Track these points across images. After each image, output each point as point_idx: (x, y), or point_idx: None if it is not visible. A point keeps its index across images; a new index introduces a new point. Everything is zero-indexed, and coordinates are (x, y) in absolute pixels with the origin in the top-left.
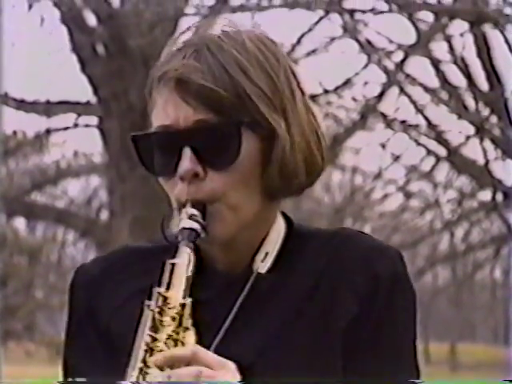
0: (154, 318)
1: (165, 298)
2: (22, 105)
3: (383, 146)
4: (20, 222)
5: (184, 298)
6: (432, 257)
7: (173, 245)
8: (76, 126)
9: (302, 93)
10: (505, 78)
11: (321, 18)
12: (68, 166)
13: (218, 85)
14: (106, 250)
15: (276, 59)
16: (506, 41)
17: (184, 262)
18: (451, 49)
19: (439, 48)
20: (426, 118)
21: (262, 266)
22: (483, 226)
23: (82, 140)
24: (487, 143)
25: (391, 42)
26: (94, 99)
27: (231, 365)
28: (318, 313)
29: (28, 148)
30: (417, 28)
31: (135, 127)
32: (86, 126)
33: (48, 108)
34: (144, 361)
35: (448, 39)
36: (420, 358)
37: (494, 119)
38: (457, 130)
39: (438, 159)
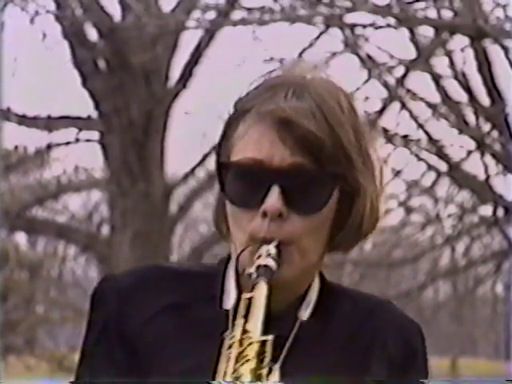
0: (235, 351)
1: (245, 331)
2: (23, 120)
3: (384, 160)
4: (21, 237)
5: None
6: (433, 272)
7: (214, 270)
8: (77, 140)
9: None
10: (505, 93)
11: (321, 33)
12: (69, 181)
13: (320, 133)
14: (107, 264)
15: (355, 113)
16: (507, 56)
17: (262, 297)
18: (452, 64)
19: (440, 63)
20: (427, 133)
21: (305, 314)
22: (484, 241)
23: (83, 155)
24: (488, 158)
25: (392, 57)
26: (95, 114)
27: None
28: (354, 367)
29: (29, 163)
30: (417, 43)
31: (136, 142)
32: (87, 140)
33: (49, 123)
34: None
35: (449, 54)
36: None
37: (494, 134)
38: (458, 145)
39: (439, 174)
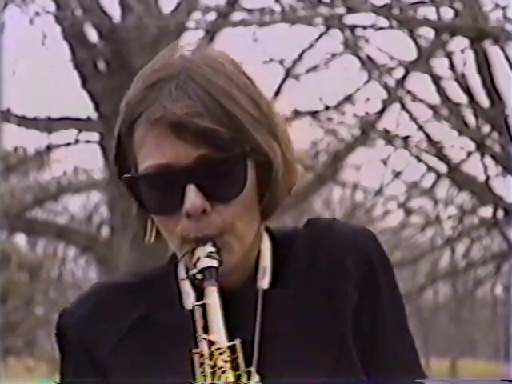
0: (206, 364)
1: (211, 343)
2: (22, 121)
3: (384, 162)
4: (21, 239)
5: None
6: (433, 273)
7: (166, 272)
8: (77, 142)
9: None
10: (505, 94)
11: (321, 34)
12: (69, 182)
13: (216, 123)
14: (107, 266)
15: (248, 78)
16: (507, 57)
17: (216, 303)
18: (452, 65)
19: (440, 64)
20: (427, 135)
21: (264, 282)
22: (484, 243)
23: (82, 156)
24: (488, 160)
25: (392, 58)
26: (94, 115)
27: None
28: (324, 305)
29: (29, 164)
30: (417, 44)
31: None
32: (87, 142)
33: (49, 124)
34: None
35: (449, 56)
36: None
37: (494, 136)
38: (457, 146)
39: (439, 176)
